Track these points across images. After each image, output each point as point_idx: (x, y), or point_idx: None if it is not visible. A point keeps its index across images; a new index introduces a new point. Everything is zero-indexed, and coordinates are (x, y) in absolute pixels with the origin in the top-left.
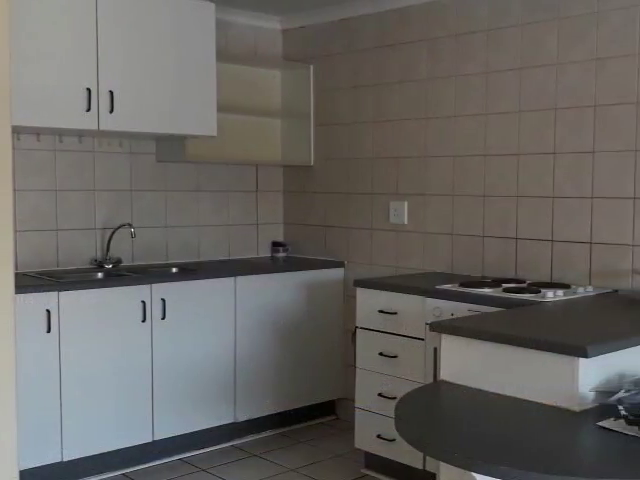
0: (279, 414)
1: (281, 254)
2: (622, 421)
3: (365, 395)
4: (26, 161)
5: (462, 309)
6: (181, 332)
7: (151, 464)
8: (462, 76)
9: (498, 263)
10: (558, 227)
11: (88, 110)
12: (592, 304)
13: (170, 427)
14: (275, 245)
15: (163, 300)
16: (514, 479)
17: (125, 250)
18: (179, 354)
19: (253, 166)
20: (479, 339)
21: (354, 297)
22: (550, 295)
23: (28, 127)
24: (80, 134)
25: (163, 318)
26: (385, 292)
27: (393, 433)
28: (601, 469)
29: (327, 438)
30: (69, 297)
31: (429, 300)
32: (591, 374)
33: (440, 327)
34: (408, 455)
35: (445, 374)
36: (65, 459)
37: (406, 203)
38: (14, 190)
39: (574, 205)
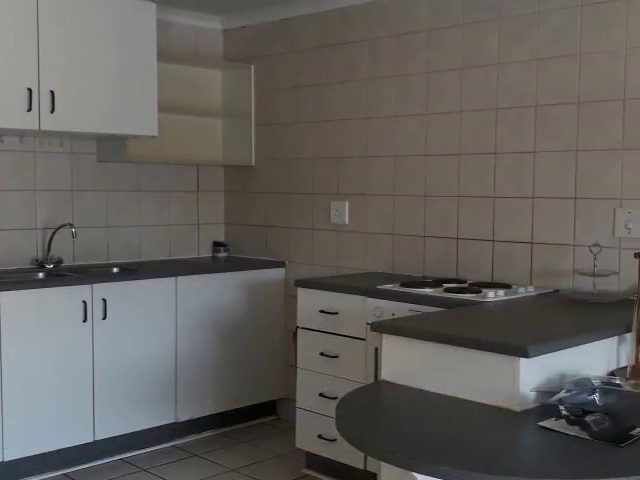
0: (220, 414)
1: (222, 254)
2: (563, 421)
3: (306, 395)
4: None
5: (403, 309)
6: (122, 332)
7: (92, 464)
8: (403, 76)
9: (439, 263)
10: (499, 227)
11: (29, 110)
12: (533, 304)
13: (111, 427)
14: (216, 245)
15: (104, 300)
16: (455, 479)
17: (66, 250)
18: (120, 354)
19: (194, 166)
20: (420, 339)
21: (295, 297)
22: (491, 295)
23: None
24: (21, 134)
25: (104, 318)
26: (326, 292)
27: (334, 433)
28: (542, 469)
29: (268, 438)
30: (10, 297)
31: (370, 300)
32: (532, 374)
33: (381, 327)
34: (349, 455)
35: (386, 374)
36: (6, 459)
37: (347, 203)
38: None
39: (515, 205)
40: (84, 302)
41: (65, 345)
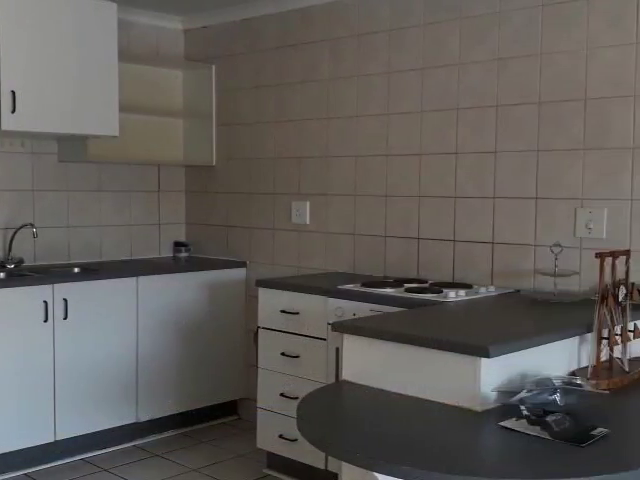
0: (181, 414)
1: (183, 254)
2: (524, 421)
3: (267, 395)
4: None
5: (364, 309)
6: (83, 332)
7: (53, 464)
8: (364, 76)
9: (400, 263)
10: (460, 227)
11: None
12: (494, 304)
13: (72, 427)
14: (177, 245)
15: (65, 300)
16: (416, 479)
17: (27, 250)
18: (81, 354)
19: (155, 166)
20: (381, 339)
21: (256, 297)
22: (452, 295)
23: None
24: None
25: (65, 318)
26: (287, 292)
27: (295, 433)
28: (503, 469)
29: (229, 438)
30: None
31: (331, 300)
32: (493, 374)
33: (342, 327)
34: (310, 455)
35: (347, 374)
36: None
37: (308, 203)
38: None
39: (476, 205)
40: (45, 302)
41: (26, 345)
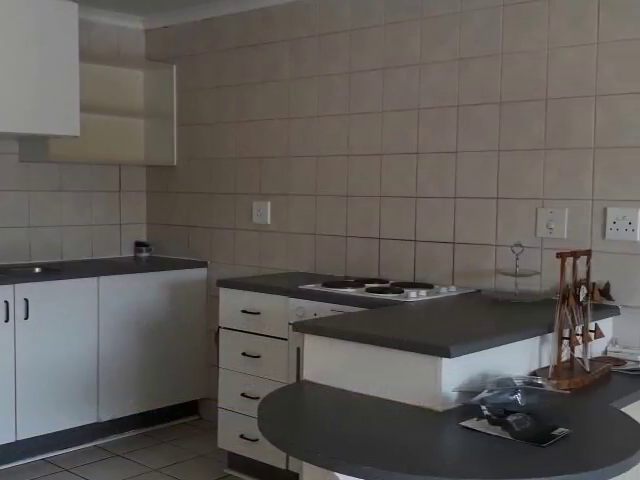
0: (142, 414)
1: (144, 254)
2: (485, 421)
3: (228, 395)
4: None
5: (325, 309)
6: (44, 332)
7: (14, 464)
8: (325, 76)
9: (361, 263)
10: (421, 227)
11: None
12: (455, 304)
13: (33, 427)
14: (138, 245)
15: (26, 300)
16: (377, 479)
17: None
18: (42, 354)
19: (116, 166)
20: (342, 339)
21: (217, 297)
22: (413, 295)
23: None
24: None
25: (26, 318)
26: (248, 292)
27: (256, 433)
28: (464, 469)
29: (190, 438)
30: None
31: (292, 300)
32: (454, 374)
33: (303, 327)
34: (271, 455)
35: (308, 374)
36: None
37: (269, 203)
38: None
39: (437, 205)
40: (6, 302)
41: None
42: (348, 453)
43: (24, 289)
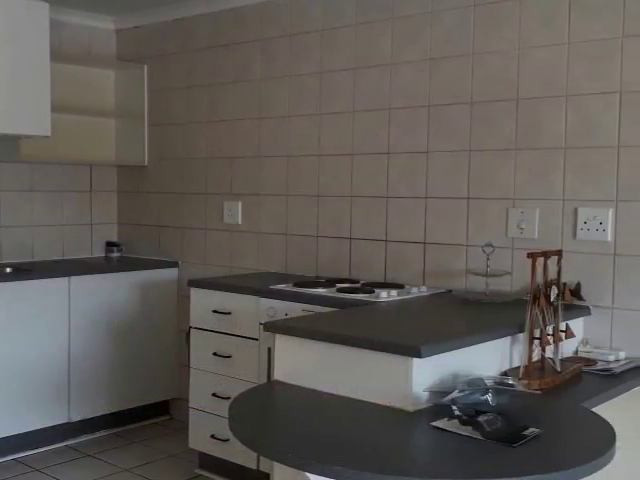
0: (113, 414)
1: (115, 254)
2: (456, 421)
3: (199, 395)
4: None
5: (296, 309)
6: (15, 332)
7: None
8: (296, 76)
9: (332, 263)
10: (392, 227)
11: None
12: (426, 304)
13: (4, 427)
14: (109, 245)
15: None
16: (348, 479)
17: None
18: (13, 354)
19: (87, 166)
20: (313, 339)
21: (188, 297)
22: (384, 295)
23: None
24: None
25: None
26: (219, 292)
27: (227, 433)
28: (435, 469)
29: (161, 438)
30: None
31: (263, 300)
32: (425, 374)
33: (274, 327)
34: (242, 455)
35: (279, 374)
36: None
37: (240, 203)
38: None
39: (408, 205)
40: None
41: None
42: (319, 453)
43: None
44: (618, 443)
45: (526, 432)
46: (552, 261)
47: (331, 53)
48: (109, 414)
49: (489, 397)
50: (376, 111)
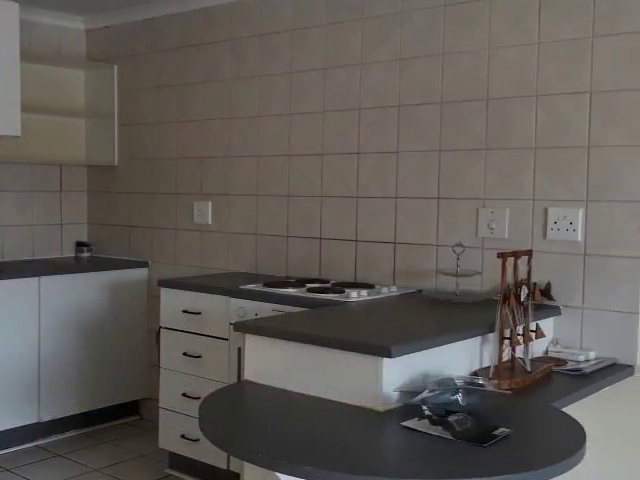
0: (83, 414)
1: (85, 254)
2: (426, 421)
3: (169, 395)
4: None
5: (266, 309)
6: None
7: None
8: (266, 76)
9: (302, 263)
10: (362, 227)
11: None
12: (396, 304)
13: None
14: (79, 245)
15: None
16: (318, 479)
17: None
18: None
19: (57, 166)
20: (283, 339)
21: (158, 297)
22: (354, 295)
23: None
24: None
25: None
26: (189, 292)
27: (197, 433)
28: (405, 469)
29: (131, 438)
30: None
31: (233, 300)
32: (395, 374)
33: (244, 327)
34: (212, 455)
35: (249, 374)
36: None
37: (210, 203)
38: None
39: (378, 205)
40: None
41: None
42: (289, 453)
43: None
44: (588, 443)
45: (496, 432)
46: (522, 261)
47: (301, 53)
48: (79, 414)
49: (459, 397)
50: (346, 111)
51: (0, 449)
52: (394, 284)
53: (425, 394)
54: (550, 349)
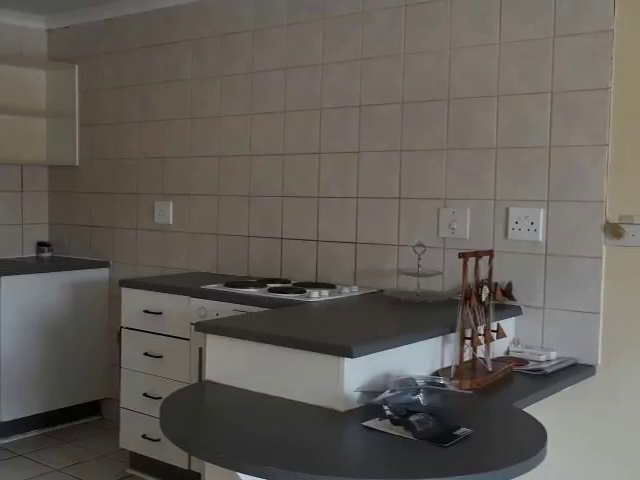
0: (44, 414)
1: (46, 254)
2: (387, 421)
3: (130, 395)
4: None
5: (227, 309)
6: None
7: None
8: (227, 76)
9: (263, 263)
10: (323, 227)
11: None
12: (357, 304)
13: None
14: (40, 245)
15: None
16: (279, 479)
17: None
18: None
19: (18, 166)
20: (244, 339)
21: (119, 297)
22: (315, 295)
23: None
24: None
25: None
26: (150, 292)
27: (158, 433)
28: (366, 469)
29: (92, 438)
30: None
31: (194, 300)
32: (356, 374)
33: (205, 327)
34: (173, 455)
35: (210, 374)
36: None
37: (171, 203)
38: None
39: (339, 205)
40: None
41: None
42: (250, 453)
43: None
44: (549, 443)
45: (457, 432)
46: (483, 261)
47: (262, 53)
48: (40, 414)
49: (420, 397)
50: (307, 111)
51: None
52: (355, 284)
53: (386, 394)
54: (511, 349)
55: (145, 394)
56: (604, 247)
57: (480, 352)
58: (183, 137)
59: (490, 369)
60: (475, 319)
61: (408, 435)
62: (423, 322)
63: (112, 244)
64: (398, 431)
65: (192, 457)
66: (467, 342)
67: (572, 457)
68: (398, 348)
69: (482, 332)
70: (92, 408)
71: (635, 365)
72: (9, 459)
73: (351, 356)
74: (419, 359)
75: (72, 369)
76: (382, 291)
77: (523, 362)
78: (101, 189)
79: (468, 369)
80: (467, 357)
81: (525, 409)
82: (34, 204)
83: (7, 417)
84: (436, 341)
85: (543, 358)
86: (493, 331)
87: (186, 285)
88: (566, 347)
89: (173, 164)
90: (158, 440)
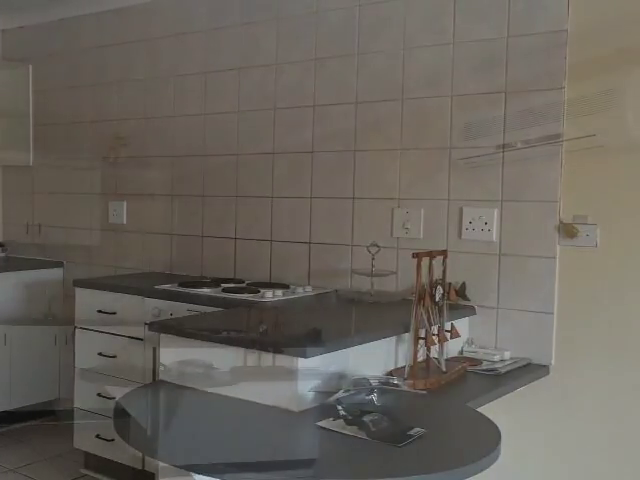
0: None
1: (0, 254)
2: (341, 421)
3: (84, 395)
4: None
5: (181, 309)
6: None
7: None
8: (181, 76)
9: (217, 263)
10: (277, 227)
11: None
12: (312, 304)
13: None
14: None
15: None
16: (232, 479)
17: None
18: None
19: None
20: (198, 339)
21: (73, 297)
22: (269, 295)
23: None
24: None
25: None
26: (104, 292)
27: (112, 433)
28: (320, 469)
29: (46, 438)
30: None
31: (148, 300)
32: (310, 374)
33: (158, 327)
34: (127, 455)
35: (164, 374)
36: None
37: (125, 203)
38: None
39: (293, 205)
40: None
41: None
42: (204, 453)
43: None
44: (503, 443)
45: (411, 432)
46: (437, 261)
47: (216, 53)
48: None
49: (374, 397)
50: (261, 111)
51: None
52: (309, 284)
53: (340, 394)
54: (465, 349)
55: (99, 394)
56: (558, 247)
57: (434, 352)
58: (136, 137)
59: (444, 369)
60: (429, 319)
61: (362, 435)
62: (377, 322)
63: (66, 244)
64: (352, 431)
65: (146, 457)
66: (421, 342)
67: (526, 457)
68: (352, 348)
69: (436, 332)
70: (46, 408)
71: (588, 365)
72: None
73: (305, 356)
74: (373, 359)
75: (26, 369)
76: (336, 291)
77: (477, 362)
78: (55, 189)
79: (422, 369)
80: (421, 357)
81: (479, 409)
82: None
83: None
84: (390, 341)
85: (497, 358)
86: (447, 331)
87: (140, 285)
88: (520, 347)
89: (127, 164)
90: (112, 440)
